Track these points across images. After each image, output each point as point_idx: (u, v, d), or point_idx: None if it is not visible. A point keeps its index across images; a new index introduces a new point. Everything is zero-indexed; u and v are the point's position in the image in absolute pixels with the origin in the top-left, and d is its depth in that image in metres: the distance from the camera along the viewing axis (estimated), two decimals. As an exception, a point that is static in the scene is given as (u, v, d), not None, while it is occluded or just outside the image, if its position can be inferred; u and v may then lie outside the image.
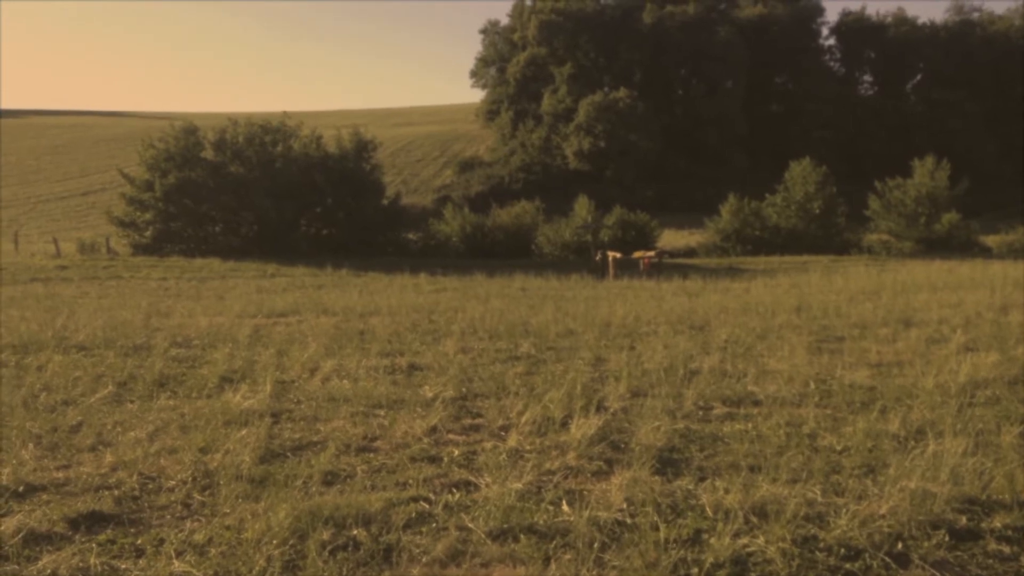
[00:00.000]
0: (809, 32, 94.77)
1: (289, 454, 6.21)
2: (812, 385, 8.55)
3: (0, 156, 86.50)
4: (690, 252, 46.73)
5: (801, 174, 48.14)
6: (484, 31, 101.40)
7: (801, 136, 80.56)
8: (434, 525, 4.79)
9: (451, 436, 6.72)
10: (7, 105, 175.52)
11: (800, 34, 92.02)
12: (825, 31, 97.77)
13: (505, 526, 4.72)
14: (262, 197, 37.52)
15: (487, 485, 5.40)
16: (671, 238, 51.10)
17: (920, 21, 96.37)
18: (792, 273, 29.09)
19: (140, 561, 4.32)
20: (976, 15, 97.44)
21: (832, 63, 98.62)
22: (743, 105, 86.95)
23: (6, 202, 65.89)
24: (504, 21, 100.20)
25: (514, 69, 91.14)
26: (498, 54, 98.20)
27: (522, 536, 4.61)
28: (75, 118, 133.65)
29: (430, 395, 8.02)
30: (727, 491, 5.23)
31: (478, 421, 7.22)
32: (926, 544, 4.57)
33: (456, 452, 6.22)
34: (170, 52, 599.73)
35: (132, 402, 7.87)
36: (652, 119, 79.74)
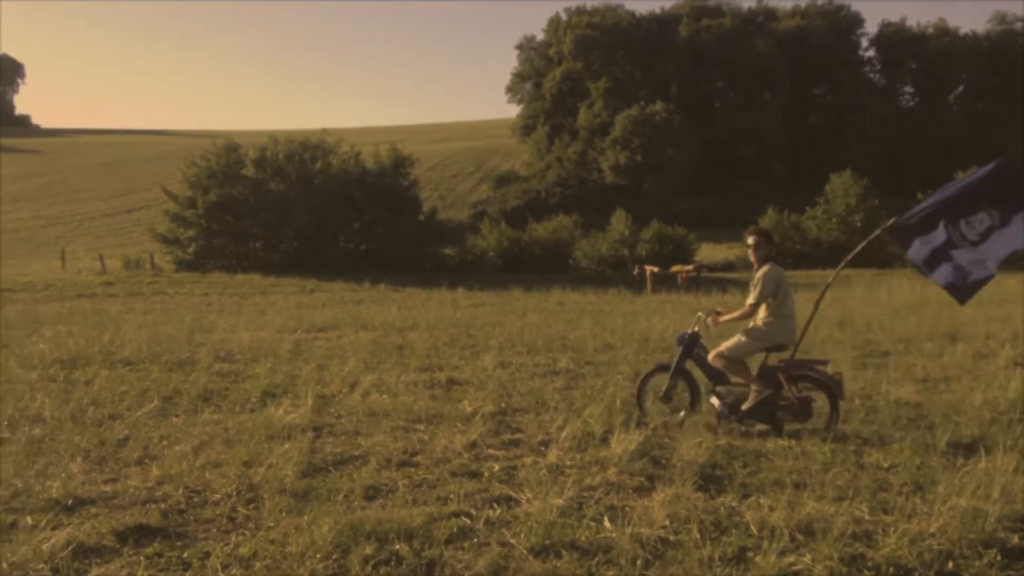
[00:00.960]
0: (848, 43, 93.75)
1: (331, 468, 6.25)
2: (857, 401, 8.43)
3: (49, 175, 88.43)
4: (729, 266, 46.37)
5: (842, 187, 47.61)
6: (520, 47, 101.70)
7: (842, 149, 79.57)
8: (476, 541, 4.78)
9: (491, 451, 6.72)
10: (55, 125, 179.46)
11: (839, 45, 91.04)
12: (865, 42, 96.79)
13: (547, 542, 4.70)
14: (301, 213, 37.93)
15: (528, 501, 5.38)
16: (709, 252, 50.75)
17: (962, 32, 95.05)
18: (834, 287, 28.67)
19: (187, 574, 4.36)
20: (1019, 25, 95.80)
21: (872, 74, 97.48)
22: (782, 118, 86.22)
23: (54, 220, 67.26)
24: (540, 36, 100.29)
25: (550, 84, 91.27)
26: (534, 69, 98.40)
27: (564, 552, 4.58)
28: (121, 137, 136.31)
29: (469, 410, 8.03)
30: (772, 508, 5.17)
31: (518, 436, 7.21)
32: (977, 564, 4.47)
33: (496, 467, 6.22)
34: (214, 71, 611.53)
35: (177, 416, 7.98)
36: (689, 132, 79.32)
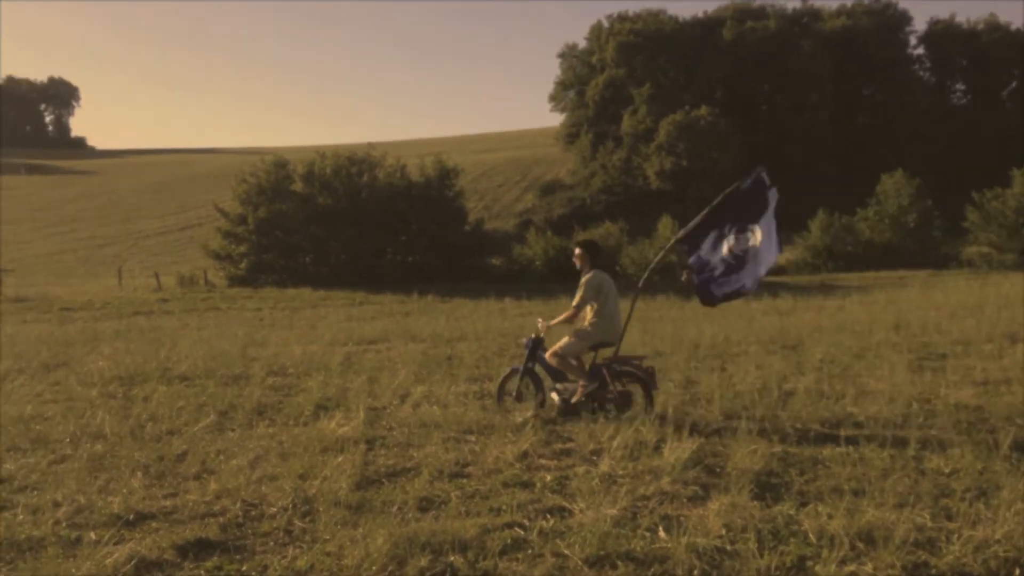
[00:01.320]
0: (897, 42, 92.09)
1: (384, 480, 6.29)
2: (915, 405, 8.26)
3: (105, 195, 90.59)
4: (779, 270, 45.74)
5: (894, 187, 46.79)
6: (562, 55, 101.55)
7: (892, 148, 78.11)
8: (530, 552, 4.78)
9: (542, 461, 6.70)
10: (109, 146, 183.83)
11: (887, 44, 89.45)
12: (913, 40, 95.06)
13: (601, 553, 4.68)
14: (349, 227, 38.36)
15: (581, 511, 5.36)
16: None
17: (1013, 27, 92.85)
18: (888, 289, 28.19)
19: (246, 587, 4.42)
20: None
21: (922, 72, 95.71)
22: (830, 119, 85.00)
23: (110, 239, 68.86)
24: (582, 44, 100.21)
25: (593, 92, 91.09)
26: (576, 77, 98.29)
27: (619, 563, 4.56)
28: (172, 156, 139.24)
29: (519, 420, 8.03)
30: (830, 516, 5.08)
31: (569, 446, 7.19)
32: (1046, 572, 4.35)
33: (548, 477, 6.20)
34: (262, 89, 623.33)
35: (233, 430, 8.10)
36: (735, 136, 78.59)
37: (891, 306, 19.33)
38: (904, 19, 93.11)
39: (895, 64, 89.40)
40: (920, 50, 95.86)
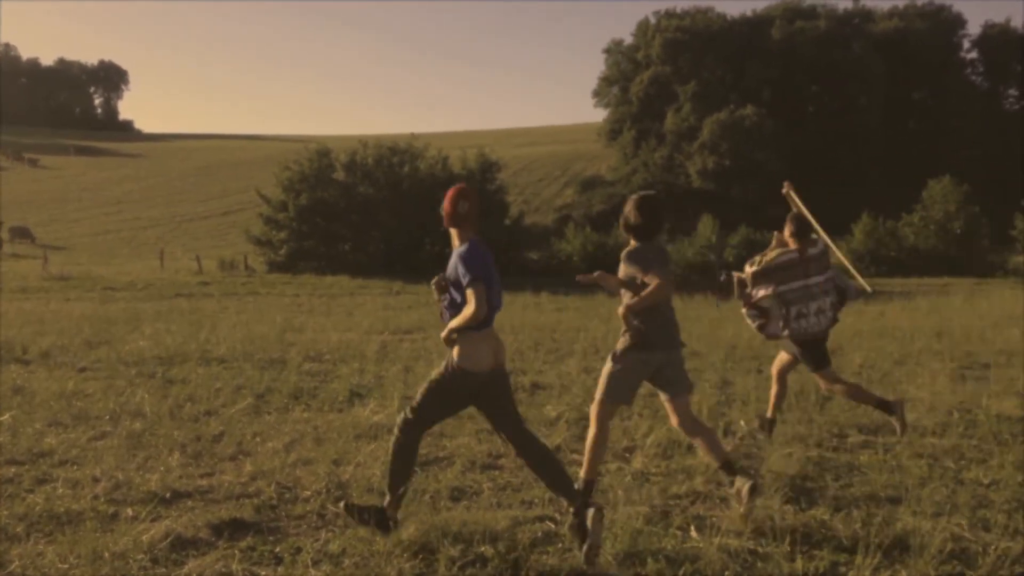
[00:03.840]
0: (950, 45, 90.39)
1: (417, 469, 6.30)
2: (955, 414, 8.11)
3: (150, 178, 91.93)
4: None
5: (941, 192, 46.01)
6: (607, 50, 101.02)
7: (942, 154, 76.80)
8: (560, 545, 4.78)
9: (575, 456, 6.69)
10: (156, 130, 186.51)
11: (940, 47, 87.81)
12: (967, 44, 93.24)
13: (632, 550, 4.67)
14: (389, 217, 38.57)
15: (613, 507, 5.35)
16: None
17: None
18: (931, 296, 27.73)
19: (279, 568, 4.47)
20: None
21: (974, 77, 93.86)
22: (879, 122, 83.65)
23: (153, 221, 69.86)
24: (627, 40, 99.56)
25: (637, 88, 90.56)
26: (621, 73, 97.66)
27: (650, 560, 4.54)
28: (217, 141, 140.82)
29: (553, 415, 8.03)
30: (865, 523, 5.02)
31: (603, 442, 7.15)
32: (1087, 589, 4.26)
33: (581, 473, 6.18)
34: (305, 76, 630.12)
35: (269, 414, 8.18)
36: (781, 137, 77.73)
37: (934, 313, 19.02)
38: (958, 22, 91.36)
39: (947, 68, 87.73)
40: (973, 54, 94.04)
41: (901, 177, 74.52)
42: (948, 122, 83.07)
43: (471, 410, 8.15)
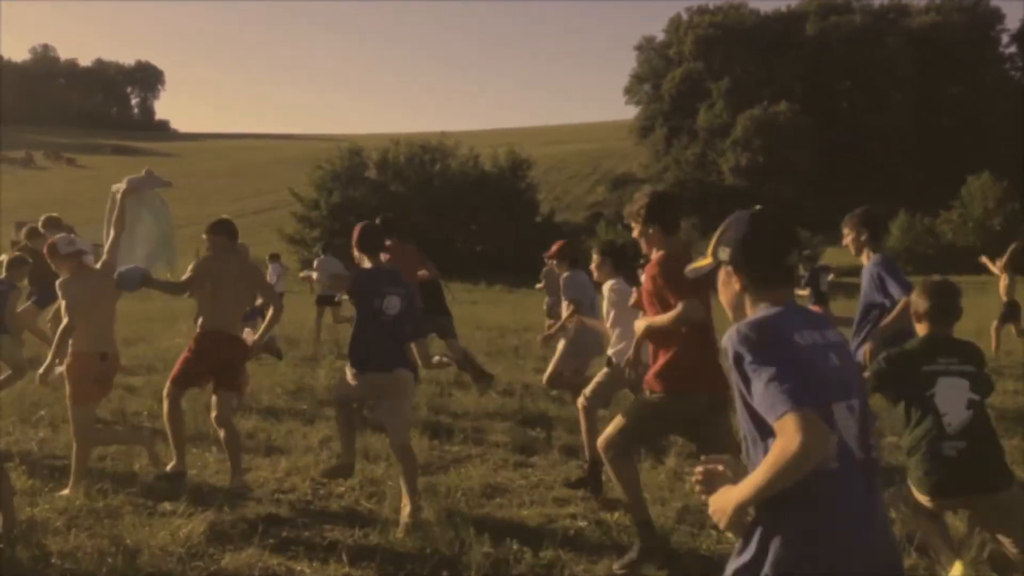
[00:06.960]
0: (987, 40, 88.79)
1: (450, 466, 6.34)
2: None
3: (184, 177, 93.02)
4: (856, 271, 44.74)
5: (980, 189, 45.34)
6: (639, 47, 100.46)
7: (978, 151, 75.40)
8: (593, 543, 4.77)
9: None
10: (191, 129, 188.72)
11: (977, 42, 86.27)
12: (1005, 39, 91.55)
13: (665, 548, 4.64)
14: (420, 214, 38.73)
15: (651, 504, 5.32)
16: (835, 256, 48.91)
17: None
18: (969, 294, 27.23)
19: (314, 563, 4.51)
20: None
21: (1013, 72, 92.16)
22: (914, 118, 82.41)
23: (186, 220, 70.56)
24: (659, 37, 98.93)
25: (669, 85, 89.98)
26: (652, 70, 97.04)
27: (683, 559, 4.52)
28: (250, 141, 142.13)
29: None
30: (894, 523, 4.95)
31: (635, 440, 7.13)
32: None
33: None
34: (338, 76, 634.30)
35: (303, 411, 8.24)
36: (814, 134, 76.88)
37: (972, 311, 18.69)
38: (996, 17, 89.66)
39: (985, 63, 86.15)
40: (1012, 49, 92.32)
41: (935, 174, 73.41)
42: (984, 118, 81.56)
43: (503, 407, 8.18)
